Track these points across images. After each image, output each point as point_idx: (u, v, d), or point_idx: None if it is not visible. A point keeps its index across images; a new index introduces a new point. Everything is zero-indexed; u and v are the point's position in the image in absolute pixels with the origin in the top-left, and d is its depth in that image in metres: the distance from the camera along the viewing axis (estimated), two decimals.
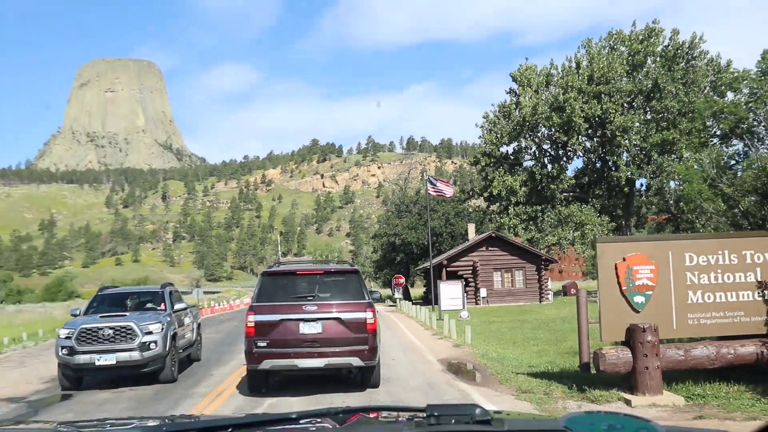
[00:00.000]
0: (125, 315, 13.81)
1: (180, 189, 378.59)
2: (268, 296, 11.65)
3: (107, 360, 12.81)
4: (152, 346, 13.01)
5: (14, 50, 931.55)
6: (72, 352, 12.83)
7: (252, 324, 11.39)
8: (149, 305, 15.20)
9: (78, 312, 14.88)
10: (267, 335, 11.30)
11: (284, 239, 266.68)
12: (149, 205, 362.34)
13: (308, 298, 11.52)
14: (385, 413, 2.40)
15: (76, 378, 13.24)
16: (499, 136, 51.30)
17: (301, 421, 2.05)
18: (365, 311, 11.52)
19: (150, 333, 13.11)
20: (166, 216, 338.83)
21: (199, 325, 17.63)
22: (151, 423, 2.30)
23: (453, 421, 1.84)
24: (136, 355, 12.88)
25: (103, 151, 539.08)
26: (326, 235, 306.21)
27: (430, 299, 45.07)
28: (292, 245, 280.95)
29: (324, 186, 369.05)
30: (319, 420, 2.11)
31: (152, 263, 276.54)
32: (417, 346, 19.81)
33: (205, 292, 59.61)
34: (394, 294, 54.95)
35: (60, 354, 12.96)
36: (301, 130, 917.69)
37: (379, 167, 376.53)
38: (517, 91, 52.45)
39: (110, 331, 12.98)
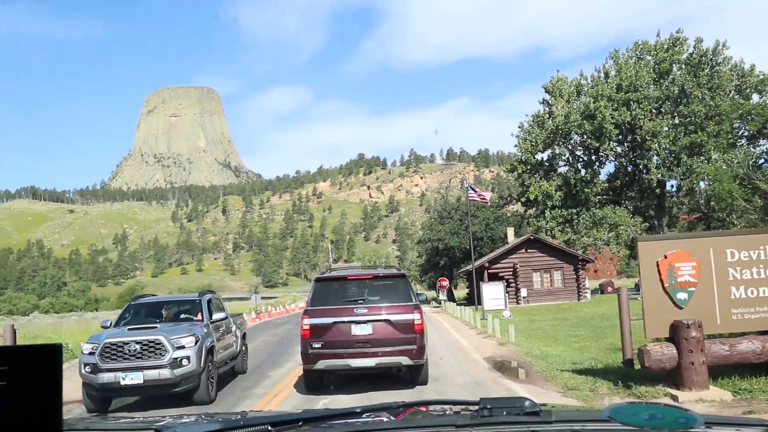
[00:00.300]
0: (155, 327, 11.56)
1: (238, 203, 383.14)
2: (321, 300, 11.52)
3: (133, 379, 10.58)
4: (184, 362, 10.79)
5: (88, 84, 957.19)
6: (95, 369, 10.65)
7: (307, 327, 11.27)
8: (185, 315, 13.06)
9: (109, 324, 12.61)
10: (321, 337, 11.20)
11: (335, 247, 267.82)
12: (211, 218, 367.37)
13: (359, 302, 11.35)
14: (438, 407, 2.35)
15: (102, 399, 11.00)
16: (534, 144, 50.64)
17: (362, 415, 2.03)
18: (413, 313, 11.30)
19: (182, 347, 10.88)
20: (226, 228, 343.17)
21: (244, 335, 15.42)
22: (222, 418, 2.26)
23: (504, 412, 1.86)
24: (166, 373, 10.67)
25: (169, 171, 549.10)
26: (374, 242, 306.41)
27: (473, 300, 44.50)
28: (343, 252, 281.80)
29: (370, 197, 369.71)
30: (377, 414, 2.09)
31: (215, 272, 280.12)
32: (462, 346, 19.37)
33: (263, 298, 59.83)
34: (438, 296, 54.43)
35: (83, 372, 10.77)
36: (348, 145, 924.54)
37: (421, 177, 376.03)
38: (549, 101, 51.75)
39: (137, 346, 10.77)
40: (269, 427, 1.86)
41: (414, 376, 11.72)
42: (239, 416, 2.26)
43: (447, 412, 2.20)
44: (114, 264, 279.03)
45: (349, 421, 1.98)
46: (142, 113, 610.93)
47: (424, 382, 11.68)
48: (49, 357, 1.31)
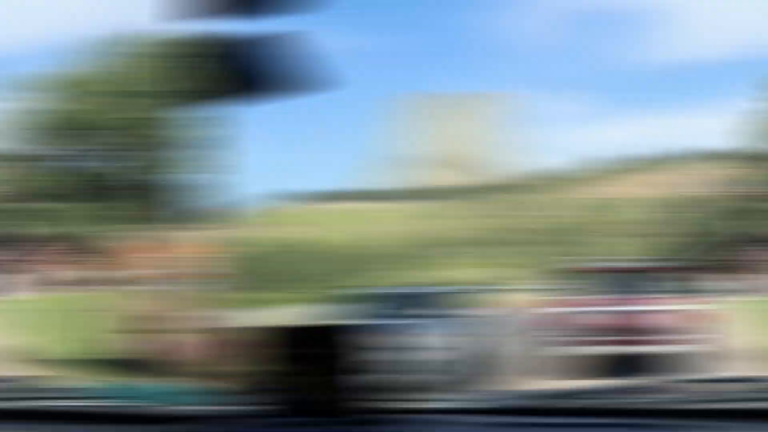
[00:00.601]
0: (407, 323, 9.49)
1: (510, 201, 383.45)
2: (588, 291, 11.44)
3: None
4: (430, 364, 9.10)
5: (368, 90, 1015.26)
6: None
7: (573, 314, 11.24)
8: (430, 311, 10.56)
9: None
10: (590, 325, 11.11)
11: (608, 241, 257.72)
12: (499, 215, 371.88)
13: (627, 291, 11.00)
14: (741, 384, 2.06)
15: None
16: None
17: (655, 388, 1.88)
18: (684, 303, 10.76)
19: (431, 348, 9.21)
20: (499, 224, 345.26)
21: (510, 334, 13.20)
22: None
23: None
24: (410, 377, 7.98)
25: (452, 172, 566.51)
26: (645, 237, 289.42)
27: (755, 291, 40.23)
28: (615, 246, 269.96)
29: (646, 193, 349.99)
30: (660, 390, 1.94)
31: (490, 267, 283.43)
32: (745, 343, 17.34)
33: (534, 290, 59.76)
34: (715, 288, 49.88)
35: None
36: (617, 143, 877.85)
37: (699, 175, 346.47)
38: None
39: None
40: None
41: (686, 364, 11.00)
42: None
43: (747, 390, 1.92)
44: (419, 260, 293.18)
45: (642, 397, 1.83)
46: (400, 115, 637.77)
47: (702, 371, 10.80)
48: (337, 335, 1.54)
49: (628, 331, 10.90)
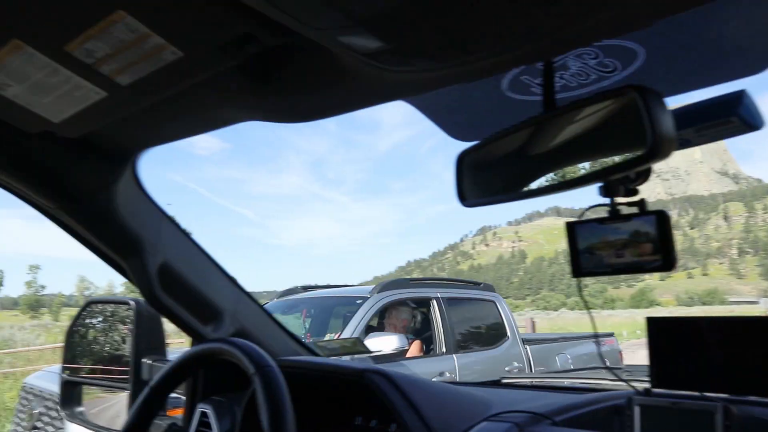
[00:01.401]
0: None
1: (740, 209, 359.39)
2: None
3: None
4: None
5: None
6: None
7: None
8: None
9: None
10: None
11: None
12: (712, 225, 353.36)
13: None
14: None
15: None
16: None
17: None
18: None
19: None
20: (728, 234, 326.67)
21: None
22: None
23: None
24: None
25: (668, 183, 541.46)
26: None
27: None
28: None
29: None
30: None
31: (719, 276, 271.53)
32: None
33: None
34: None
35: None
36: None
37: None
38: None
39: None
40: None
41: None
42: None
43: None
44: None
45: None
46: None
47: None
48: None
49: None
